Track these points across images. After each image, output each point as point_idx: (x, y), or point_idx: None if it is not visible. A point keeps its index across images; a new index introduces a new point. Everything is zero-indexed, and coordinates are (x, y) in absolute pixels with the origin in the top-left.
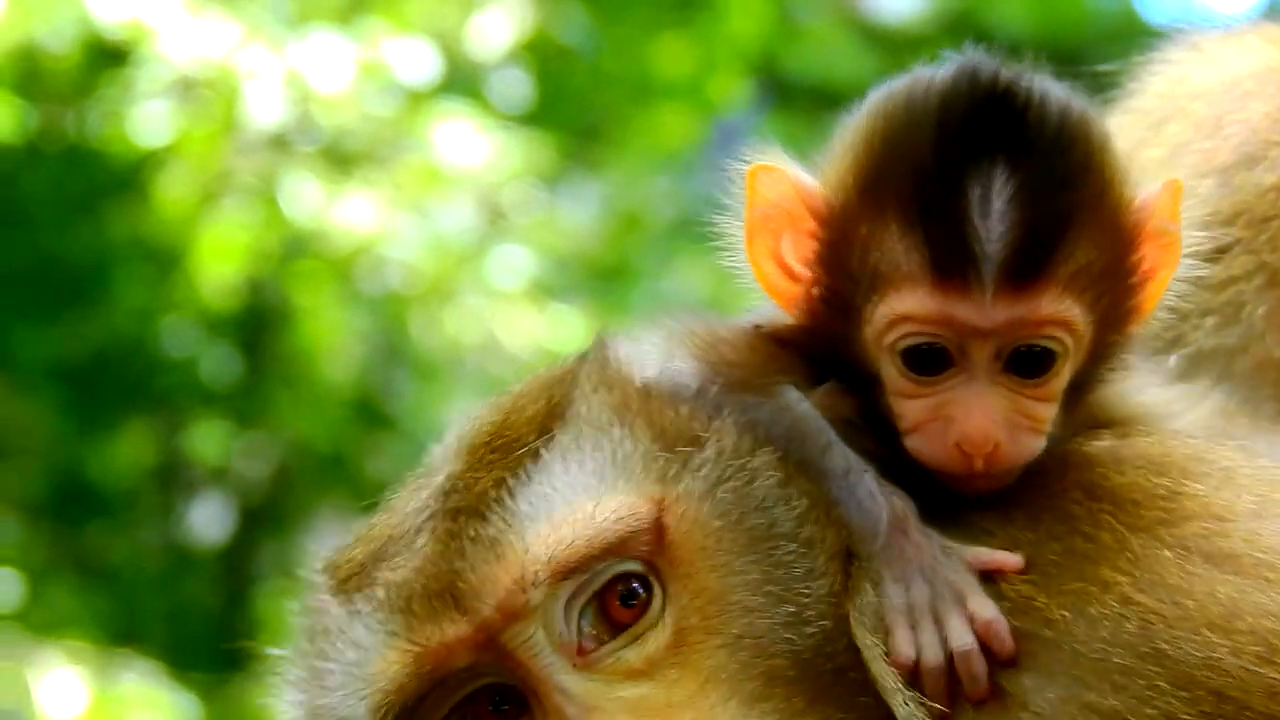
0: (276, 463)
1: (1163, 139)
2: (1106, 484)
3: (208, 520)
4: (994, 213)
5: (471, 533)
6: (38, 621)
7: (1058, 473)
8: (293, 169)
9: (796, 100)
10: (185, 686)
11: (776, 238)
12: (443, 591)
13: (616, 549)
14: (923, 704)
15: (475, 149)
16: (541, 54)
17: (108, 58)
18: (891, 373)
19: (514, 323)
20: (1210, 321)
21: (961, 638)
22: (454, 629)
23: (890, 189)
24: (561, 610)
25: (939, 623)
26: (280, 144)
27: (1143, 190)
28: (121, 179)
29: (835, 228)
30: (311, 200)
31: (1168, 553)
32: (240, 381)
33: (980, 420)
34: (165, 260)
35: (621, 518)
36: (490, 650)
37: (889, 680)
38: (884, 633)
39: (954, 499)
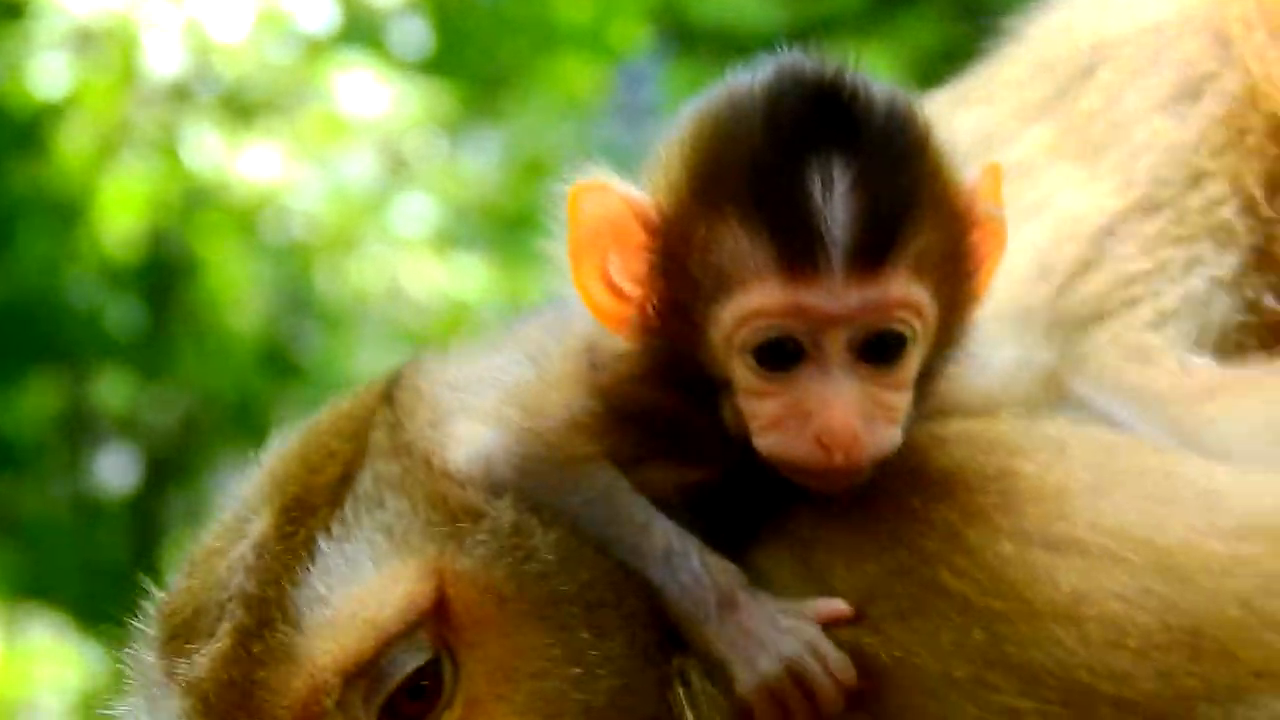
0: (183, 413)
1: (1097, 85)
2: (933, 469)
3: (115, 471)
4: (837, 198)
5: (264, 637)
6: None
7: (893, 465)
8: (193, 119)
9: (700, 46)
10: (95, 639)
11: (603, 257)
12: (239, 694)
13: (408, 628)
14: None
15: (376, 98)
16: (441, 1)
17: (3, 10)
18: (743, 373)
19: (418, 271)
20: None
21: (812, 655)
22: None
23: (727, 187)
24: (359, 699)
25: (800, 684)
26: (180, 94)
27: (968, 174)
28: (21, 132)
29: (670, 236)
30: (213, 151)
31: (1007, 544)
32: (145, 332)
33: (839, 410)
34: (67, 212)
35: (403, 605)
36: None
37: None
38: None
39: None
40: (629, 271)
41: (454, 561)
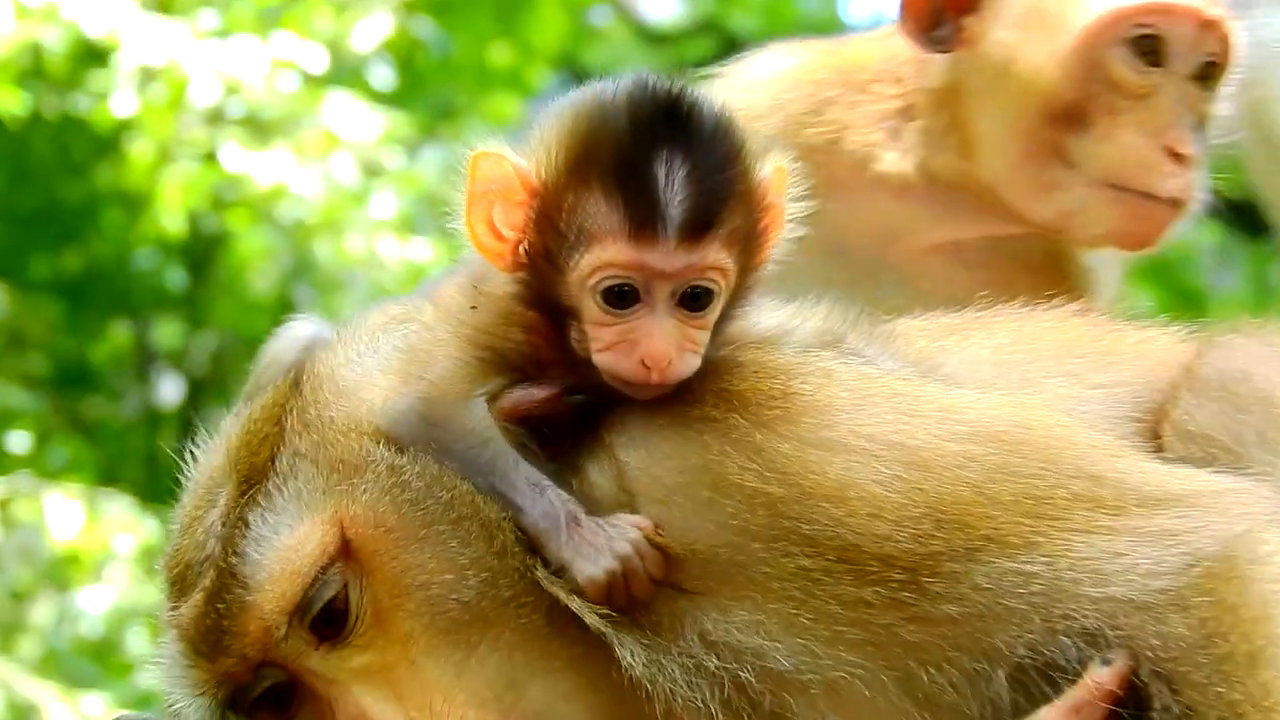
0: (217, 348)
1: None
2: (732, 389)
3: (169, 391)
4: (675, 185)
5: (224, 598)
6: (45, 469)
7: (698, 382)
8: (226, 135)
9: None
10: (155, 515)
11: (490, 207)
12: (214, 639)
13: (322, 572)
14: (606, 616)
15: (357, 121)
16: (405, 50)
17: (91, 54)
18: (591, 307)
19: (387, 246)
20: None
21: (635, 557)
22: (228, 661)
23: (594, 168)
24: (300, 624)
25: (623, 577)
26: (216, 117)
27: (765, 172)
28: (102, 143)
29: (544, 197)
30: (240, 158)
31: (786, 445)
32: (191, 290)
33: (660, 343)
34: (135, 202)
35: (315, 552)
36: (260, 665)
37: (586, 613)
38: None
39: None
40: (509, 220)
41: (349, 509)
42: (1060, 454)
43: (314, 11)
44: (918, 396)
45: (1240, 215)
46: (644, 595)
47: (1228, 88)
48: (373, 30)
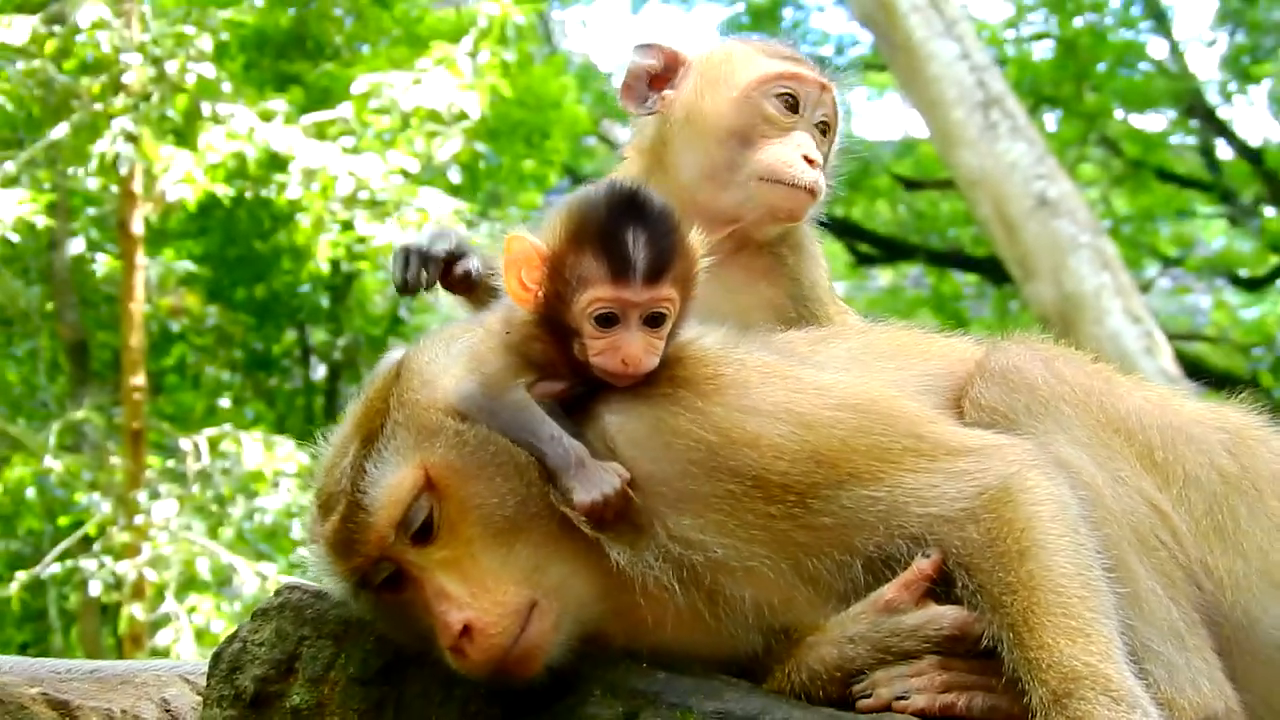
0: (349, 345)
1: None
2: (680, 374)
3: (319, 372)
4: (639, 248)
5: (355, 516)
6: (241, 420)
7: (657, 372)
8: (356, 213)
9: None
10: (308, 451)
11: (519, 269)
12: (349, 546)
13: (415, 500)
14: (595, 528)
15: (439, 205)
16: (470, 161)
17: (276, 162)
18: (587, 329)
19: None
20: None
21: (615, 489)
22: (357, 559)
23: (585, 239)
24: (403, 534)
25: (606, 502)
26: (351, 201)
27: (691, 237)
28: (281, 217)
29: (553, 262)
30: (365, 227)
31: (718, 409)
32: (333, 308)
33: (634, 349)
34: (300, 254)
35: (410, 488)
36: (379, 560)
37: (584, 525)
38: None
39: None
40: (531, 277)
41: (430, 458)
42: (896, 418)
43: (414, 135)
44: (802, 378)
45: (990, 268)
46: (616, 517)
47: (831, 137)
48: (449, 148)
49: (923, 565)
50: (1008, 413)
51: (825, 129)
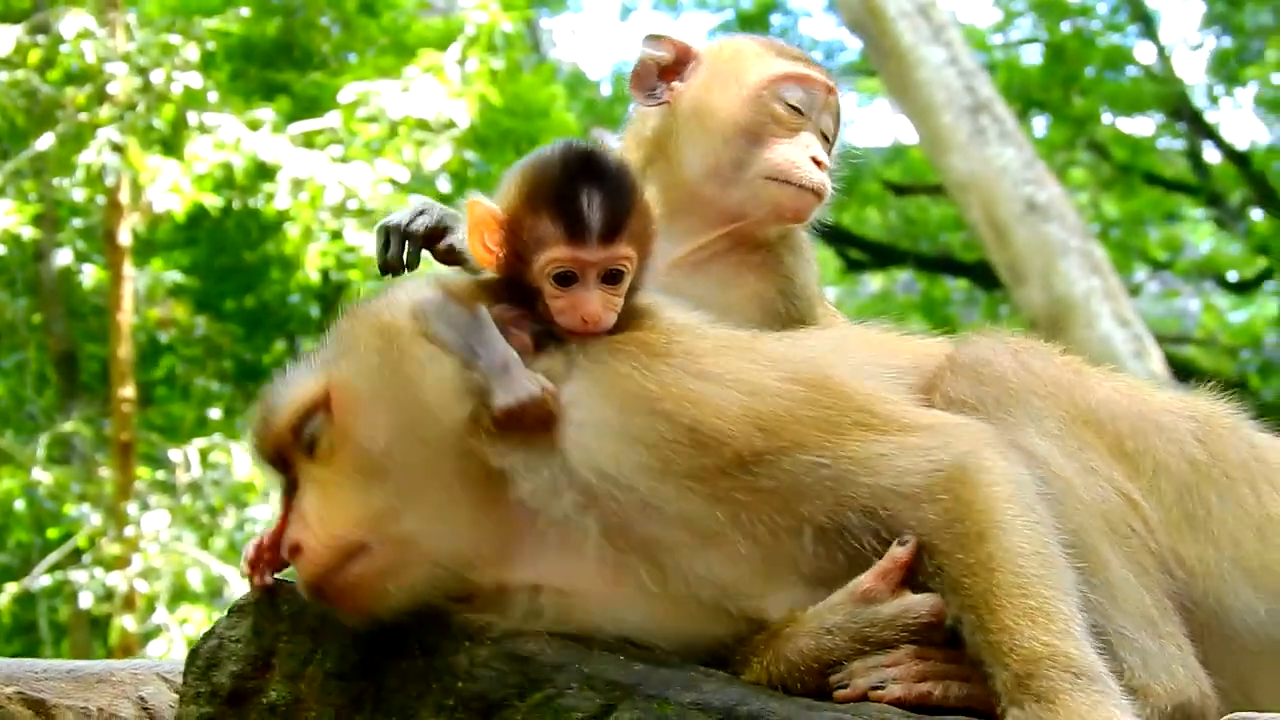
0: None
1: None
2: (638, 337)
3: None
4: (595, 207)
5: (266, 414)
6: (232, 431)
7: (621, 332)
8: (345, 222)
9: None
10: None
11: (481, 233)
12: (260, 438)
13: (309, 413)
14: (506, 428)
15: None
16: (459, 169)
17: (265, 171)
18: (548, 287)
19: None
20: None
21: (535, 396)
22: (265, 452)
23: (541, 201)
24: (297, 441)
25: (524, 408)
26: (340, 211)
27: (646, 196)
28: (270, 226)
29: (510, 226)
30: (354, 236)
31: (669, 371)
32: (323, 318)
33: (593, 306)
34: (290, 264)
35: (307, 400)
36: (278, 458)
37: (494, 449)
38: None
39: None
40: (492, 239)
41: (338, 376)
42: (848, 395)
43: (402, 144)
44: (757, 349)
45: (981, 273)
46: (534, 428)
47: (832, 144)
48: (439, 157)
49: (898, 554)
50: (978, 405)
51: (827, 136)
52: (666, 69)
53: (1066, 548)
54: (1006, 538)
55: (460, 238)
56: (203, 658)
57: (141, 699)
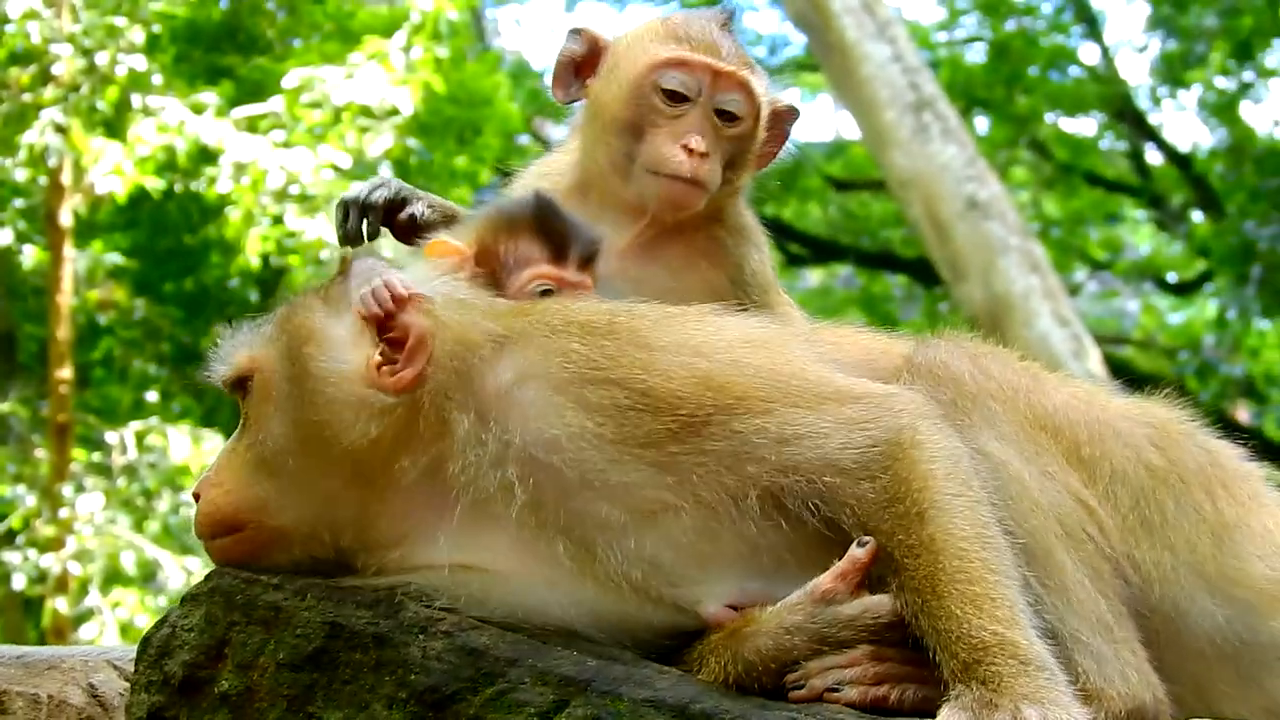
0: None
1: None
2: (581, 320)
3: None
4: (571, 234)
5: (217, 364)
6: (169, 414)
7: (557, 316)
8: (287, 207)
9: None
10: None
11: (458, 261)
12: (212, 374)
13: (235, 379)
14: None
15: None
16: (401, 156)
17: (207, 155)
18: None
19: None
20: None
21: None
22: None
23: (525, 228)
24: (236, 391)
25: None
26: (282, 196)
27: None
28: (211, 210)
29: (485, 255)
30: (296, 222)
31: (612, 346)
32: (262, 303)
33: None
34: (230, 248)
35: (234, 368)
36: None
37: (382, 381)
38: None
39: None
40: (460, 272)
41: (260, 352)
42: (787, 363)
43: (345, 130)
44: (702, 319)
45: (921, 270)
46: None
47: (745, 123)
48: (381, 144)
49: (858, 555)
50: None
51: (729, 116)
52: (583, 64)
53: (1021, 550)
54: (947, 519)
55: (419, 209)
56: (155, 646)
57: (91, 686)
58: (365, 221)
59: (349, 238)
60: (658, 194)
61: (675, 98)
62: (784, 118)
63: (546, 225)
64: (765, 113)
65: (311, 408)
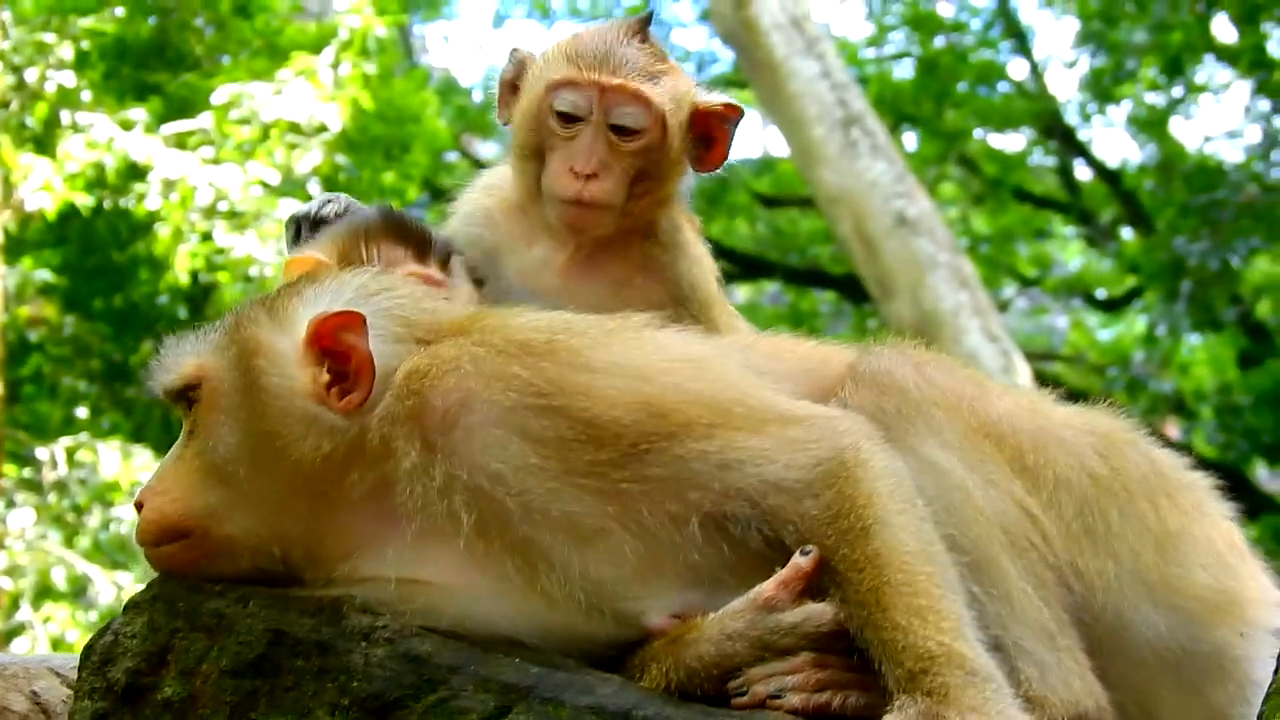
0: None
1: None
2: (519, 337)
3: None
4: (428, 235)
5: (161, 375)
6: (98, 430)
7: (496, 336)
8: (216, 224)
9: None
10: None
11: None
12: (155, 384)
13: (181, 387)
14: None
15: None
16: (330, 173)
17: (136, 171)
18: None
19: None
20: None
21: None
22: (167, 398)
23: (380, 234)
24: (180, 401)
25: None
26: (211, 212)
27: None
28: (140, 227)
29: (343, 264)
30: (225, 238)
31: (551, 369)
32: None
33: None
34: (159, 265)
35: (180, 376)
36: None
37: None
38: None
39: None
40: (338, 261)
41: (208, 361)
42: (728, 385)
43: (274, 147)
44: (642, 339)
45: (849, 286)
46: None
47: (649, 134)
48: (310, 160)
49: (801, 563)
50: (878, 415)
51: (625, 131)
52: (514, 84)
53: (965, 558)
54: (892, 534)
55: None
56: (98, 653)
57: (34, 693)
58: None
59: None
60: (560, 218)
61: (567, 119)
62: (718, 117)
63: (403, 229)
64: (680, 116)
65: (262, 419)
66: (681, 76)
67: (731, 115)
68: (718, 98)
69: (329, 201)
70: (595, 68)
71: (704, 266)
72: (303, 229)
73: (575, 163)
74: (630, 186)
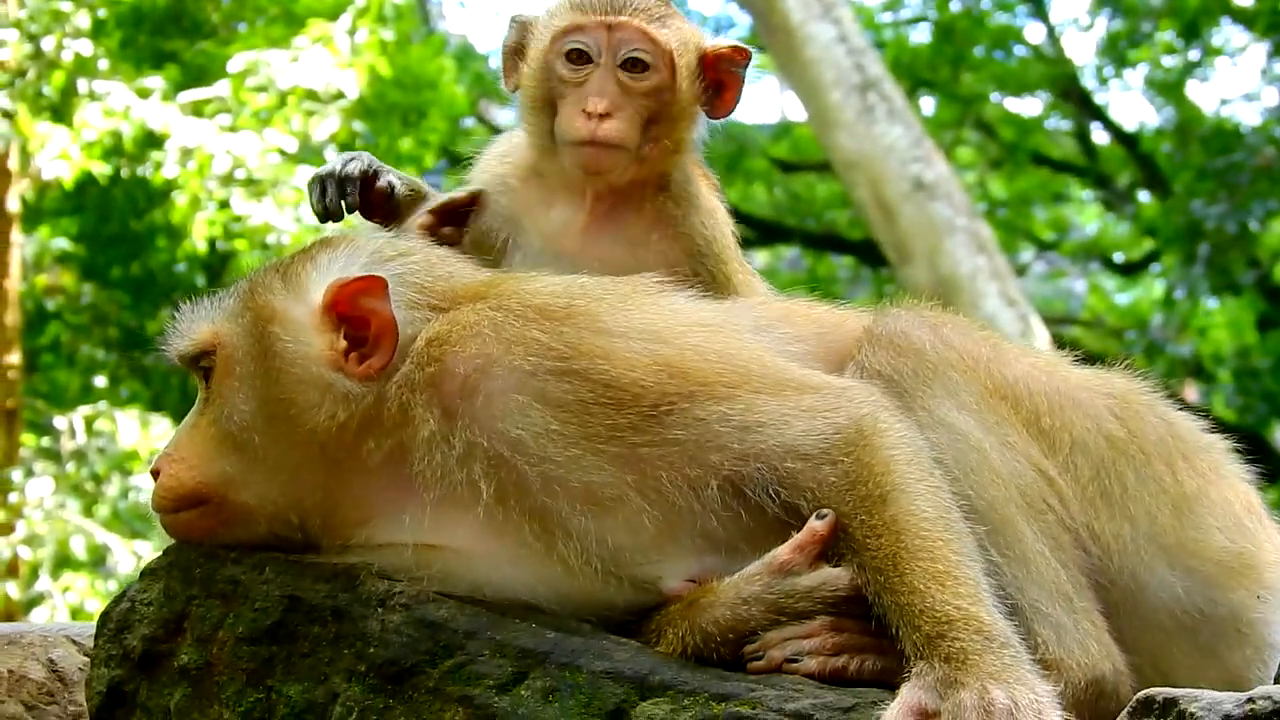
0: None
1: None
2: (538, 304)
3: None
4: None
5: (178, 340)
6: (117, 399)
7: (514, 300)
8: (233, 192)
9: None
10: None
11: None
12: (170, 351)
13: (197, 353)
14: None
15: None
16: (347, 140)
17: (153, 140)
18: None
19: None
20: None
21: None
22: (183, 364)
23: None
24: (196, 368)
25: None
26: (228, 180)
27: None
28: (157, 195)
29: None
30: (242, 206)
31: (570, 332)
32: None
33: None
34: (177, 233)
35: (195, 342)
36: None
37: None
38: None
39: None
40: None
41: (222, 327)
42: (744, 348)
43: (291, 114)
44: (659, 304)
45: (867, 251)
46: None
47: (658, 72)
48: (327, 127)
49: (817, 527)
50: (895, 377)
51: (636, 65)
52: (519, 50)
53: (981, 520)
54: (910, 501)
55: (393, 180)
56: (114, 620)
57: (51, 661)
58: (344, 195)
59: (328, 212)
60: (575, 163)
61: (577, 60)
62: (726, 60)
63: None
64: (688, 58)
65: (278, 386)
66: (688, 23)
67: (740, 58)
68: (725, 41)
69: (352, 159)
70: (602, 10)
71: (718, 219)
72: (328, 188)
73: (587, 104)
74: (643, 131)
